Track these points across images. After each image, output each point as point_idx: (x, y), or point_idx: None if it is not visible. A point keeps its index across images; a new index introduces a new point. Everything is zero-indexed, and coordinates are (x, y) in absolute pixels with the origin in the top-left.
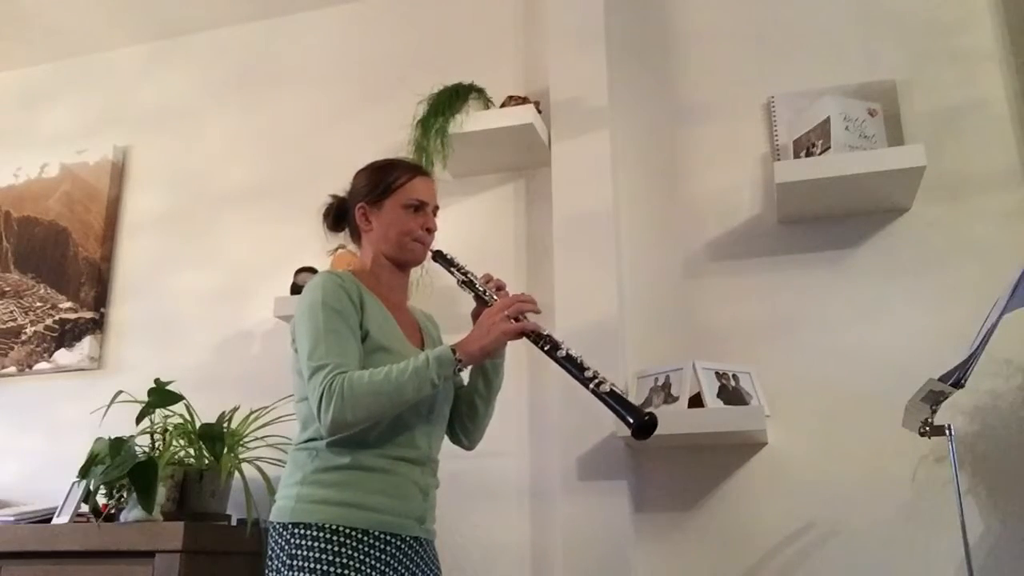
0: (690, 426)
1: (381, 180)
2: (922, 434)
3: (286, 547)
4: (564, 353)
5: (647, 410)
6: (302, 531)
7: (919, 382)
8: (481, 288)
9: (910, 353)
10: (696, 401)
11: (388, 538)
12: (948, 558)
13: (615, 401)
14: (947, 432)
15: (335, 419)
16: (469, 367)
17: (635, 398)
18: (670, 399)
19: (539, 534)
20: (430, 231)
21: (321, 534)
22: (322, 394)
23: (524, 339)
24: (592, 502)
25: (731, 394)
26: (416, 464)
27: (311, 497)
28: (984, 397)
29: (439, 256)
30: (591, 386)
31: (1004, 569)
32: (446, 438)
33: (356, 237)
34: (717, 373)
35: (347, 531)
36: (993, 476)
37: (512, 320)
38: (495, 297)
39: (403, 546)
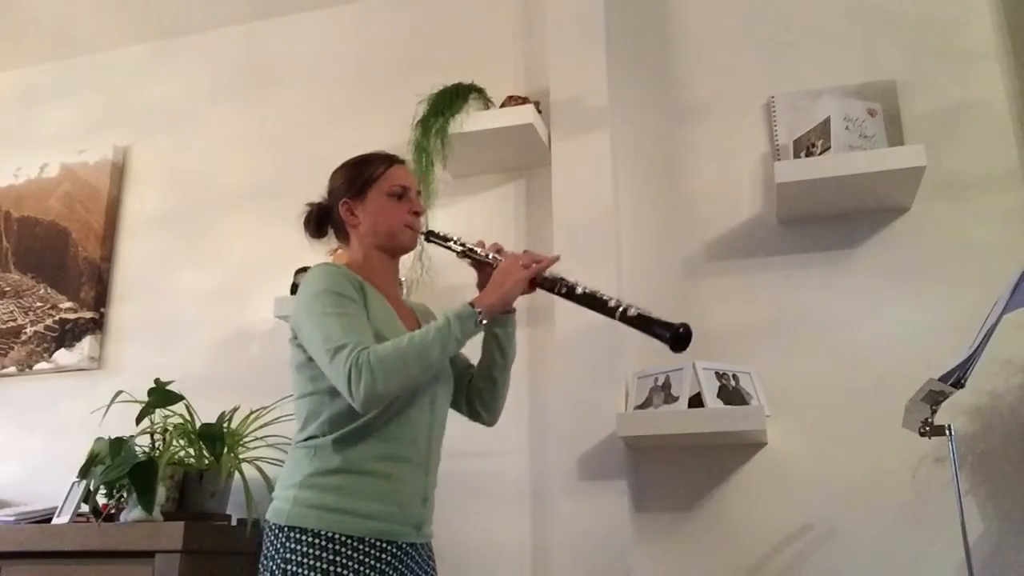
0: (690, 426)
1: (360, 174)
2: (922, 434)
3: (281, 550)
4: (582, 291)
5: (679, 323)
6: (298, 535)
7: (919, 382)
8: (483, 253)
9: (910, 353)
10: (696, 401)
11: (384, 545)
12: (948, 558)
13: (645, 322)
14: (947, 432)
15: (368, 393)
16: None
17: (635, 398)
18: (670, 399)
19: (539, 534)
20: (417, 215)
21: (317, 540)
22: (349, 371)
23: (538, 291)
24: (592, 502)
25: (731, 394)
26: (417, 465)
27: (308, 501)
28: (984, 397)
29: (432, 235)
30: (617, 315)
31: (1004, 569)
32: (466, 419)
33: (343, 235)
34: (717, 373)
35: (343, 538)
36: (993, 476)
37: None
38: (498, 257)
39: (399, 553)
